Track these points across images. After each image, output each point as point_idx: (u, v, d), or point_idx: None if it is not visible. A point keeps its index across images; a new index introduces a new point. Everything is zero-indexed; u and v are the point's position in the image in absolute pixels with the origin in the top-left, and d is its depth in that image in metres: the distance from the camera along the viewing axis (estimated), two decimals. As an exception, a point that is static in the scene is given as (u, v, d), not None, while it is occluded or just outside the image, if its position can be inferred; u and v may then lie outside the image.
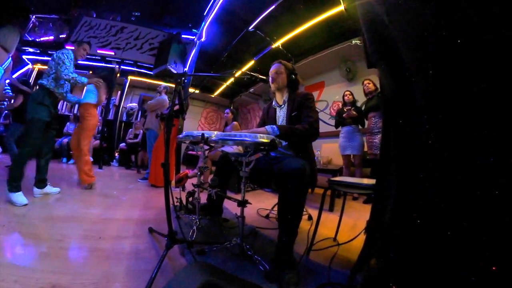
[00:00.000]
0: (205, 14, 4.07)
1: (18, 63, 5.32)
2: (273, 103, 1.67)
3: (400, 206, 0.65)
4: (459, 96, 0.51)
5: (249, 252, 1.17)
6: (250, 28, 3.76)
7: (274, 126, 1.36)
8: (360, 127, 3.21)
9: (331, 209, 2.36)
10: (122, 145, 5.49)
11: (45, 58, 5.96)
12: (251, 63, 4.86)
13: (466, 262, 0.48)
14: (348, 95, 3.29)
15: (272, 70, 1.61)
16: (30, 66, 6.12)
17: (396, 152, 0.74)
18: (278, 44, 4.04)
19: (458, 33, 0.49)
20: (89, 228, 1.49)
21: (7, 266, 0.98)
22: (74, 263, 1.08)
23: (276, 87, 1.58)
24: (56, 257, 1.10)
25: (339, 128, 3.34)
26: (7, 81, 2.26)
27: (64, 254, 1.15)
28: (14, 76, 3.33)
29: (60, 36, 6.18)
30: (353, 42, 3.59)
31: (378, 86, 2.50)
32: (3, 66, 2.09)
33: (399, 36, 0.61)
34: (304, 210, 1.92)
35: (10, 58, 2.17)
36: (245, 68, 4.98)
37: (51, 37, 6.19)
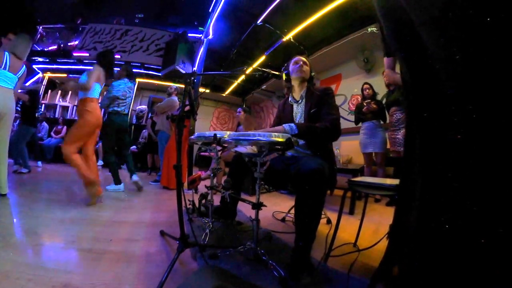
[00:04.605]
0: (210, 10, 4.12)
1: (29, 72, 5.84)
2: (290, 99, 1.66)
3: (426, 209, 0.62)
4: (491, 84, 0.47)
5: (263, 257, 1.17)
6: (258, 22, 3.75)
7: (292, 124, 1.35)
8: (381, 122, 3.09)
9: (351, 212, 2.31)
10: (133, 148, 5.71)
11: (54, 66, 6.45)
12: (262, 58, 4.84)
13: (503, 275, 0.44)
14: (367, 89, 3.18)
15: (297, 59, 1.60)
16: (40, 74, 6.62)
17: (421, 148, 0.70)
18: (289, 36, 3.99)
19: (488, 10, 0.45)
20: (101, 231, 1.56)
21: (22, 264, 1.06)
22: (85, 264, 1.15)
23: (303, 76, 1.56)
24: (68, 258, 1.18)
25: (359, 124, 3.24)
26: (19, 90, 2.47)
27: (76, 255, 1.22)
28: (27, 84, 3.58)
29: (68, 44, 6.60)
30: (369, 29, 3.46)
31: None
32: (17, 75, 2.28)
33: (419, 18, 0.58)
34: (323, 213, 1.89)
35: (24, 66, 2.36)
36: (256, 64, 4.97)
37: (57, 46, 6.63)
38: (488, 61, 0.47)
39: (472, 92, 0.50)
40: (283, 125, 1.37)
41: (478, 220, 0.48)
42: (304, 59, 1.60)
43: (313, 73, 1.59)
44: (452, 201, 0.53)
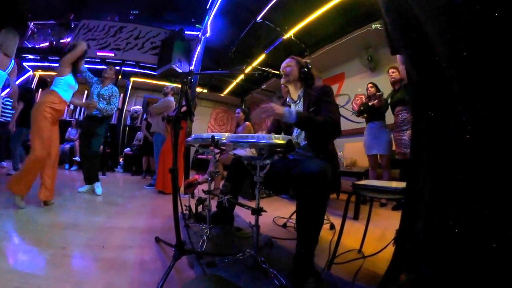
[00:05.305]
0: (208, 7, 4.15)
1: (19, 70, 5.80)
2: (288, 99, 1.68)
3: (434, 213, 0.61)
4: (500, 81, 0.47)
5: (264, 265, 1.16)
6: (258, 19, 3.78)
7: (293, 110, 1.33)
8: (385, 118, 3.11)
9: (356, 217, 2.31)
10: (127, 150, 5.72)
11: (45, 64, 6.40)
12: (262, 57, 4.87)
13: (503, 275, 0.43)
14: (369, 88, 3.21)
15: (282, 65, 1.64)
16: (31, 72, 6.61)
17: (428, 150, 0.70)
18: (290, 34, 4.02)
19: (495, 5, 0.45)
20: (93, 237, 1.55)
21: (9, 272, 1.05)
22: (76, 271, 1.14)
23: (286, 80, 1.59)
24: (59, 265, 1.16)
25: (361, 122, 3.27)
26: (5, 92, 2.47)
27: (66, 262, 1.21)
28: (16, 83, 3.59)
29: (60, 41, 6.60)
30: (373, 26, 3.50)
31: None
32: (6, 71, 2.28)
33: (424, 14, 0.58)
34: (326, 218, 1.88)
35: (13, 61, 2.36)
36: (255, 63, 5.00)
37: (49, 43, 6.62)
38: (496, 58, 0.47)
39: (480, 90, 0.50)
40: (285, 108, 1.33)
41: (489, 223, 0.48)
42: (286, 63, 1.61)
43: (305, 69, 1.57)
44: (462, 204, 0.53)
